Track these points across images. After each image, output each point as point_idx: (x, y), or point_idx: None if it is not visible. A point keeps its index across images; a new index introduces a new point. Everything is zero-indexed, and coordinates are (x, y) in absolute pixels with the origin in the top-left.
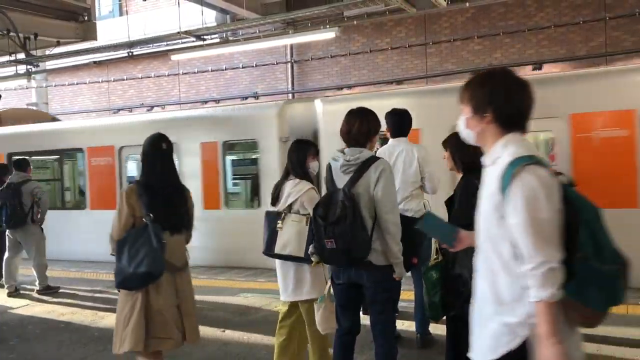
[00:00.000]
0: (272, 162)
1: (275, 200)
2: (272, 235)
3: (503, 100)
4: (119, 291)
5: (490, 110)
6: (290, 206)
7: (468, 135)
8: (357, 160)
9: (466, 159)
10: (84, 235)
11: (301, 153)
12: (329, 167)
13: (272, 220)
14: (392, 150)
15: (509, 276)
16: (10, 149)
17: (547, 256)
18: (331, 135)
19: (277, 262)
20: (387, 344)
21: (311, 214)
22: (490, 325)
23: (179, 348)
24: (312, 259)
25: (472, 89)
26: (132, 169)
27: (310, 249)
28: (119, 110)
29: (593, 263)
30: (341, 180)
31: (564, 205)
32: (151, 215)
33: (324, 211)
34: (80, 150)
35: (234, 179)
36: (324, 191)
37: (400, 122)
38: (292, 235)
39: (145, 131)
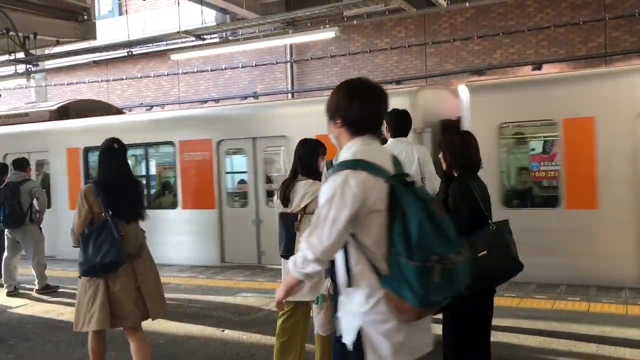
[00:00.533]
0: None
1: (286, 201)
2: (291, 238)
3: (347, 107)
4: (79, 277)
5: (339, 116)
6: (305, 207)
7: (331, 139)
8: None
9: (462, 161)
10: (174, 238)
11: (313, 153)
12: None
13: (290, 222)
14: (392, 150)
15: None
16: (87, 142)
17: (310, 247)
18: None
19: (283, 262)
20: None
21: None
22: None
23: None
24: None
25: (329, 98)
26: (236, 164)
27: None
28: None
29: (401, 259)
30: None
31: (391, 205)
32: (110, 211)
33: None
34: (170, 143)
35: None
36: None
37: (401, 122)
38: None
39: (251, 123)
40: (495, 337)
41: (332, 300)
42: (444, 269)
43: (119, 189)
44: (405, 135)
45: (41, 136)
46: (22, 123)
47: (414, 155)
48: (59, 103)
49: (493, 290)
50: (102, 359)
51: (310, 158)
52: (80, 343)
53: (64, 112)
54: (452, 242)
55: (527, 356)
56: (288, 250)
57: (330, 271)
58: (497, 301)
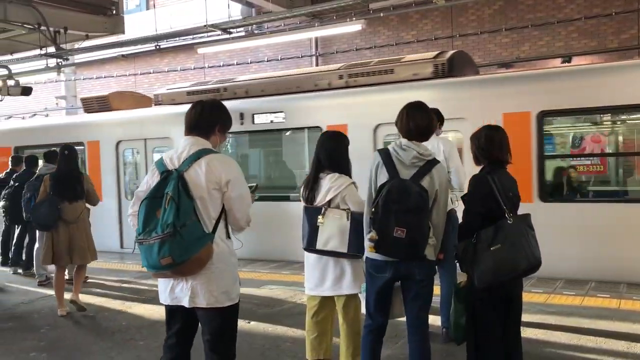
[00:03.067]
0: None
1: (311, 197)
2: (313, 231)
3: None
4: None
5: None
6: (329, 201)
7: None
8: (429, 157)
9: (487, 155)
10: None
11: (341, 146)
12: (388, 154)
13: (313, 215)
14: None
15: None
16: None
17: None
18: None
19: (313, 257)
20: (425, 341)
21: (351, 207)
22: None
23: None
24: (368, 244)
25: None
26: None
27: (372, 234)
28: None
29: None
30: (406, 171)
31: None
32: (51, 192)
33: (399, 197)
34: (318, 128)
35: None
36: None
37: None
38: (334, 230)
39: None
40: (523, 332)
41: (363, 291)
42: (140, 245)
43: (65, 180)
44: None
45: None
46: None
47: (439, 148)
48: None
49: (514, 288)
50: (61, 287)
51: (336, 151)
52: (108, 332)
53: None
54: (148, 227)
55: (555, 352)
56: (310, 243)
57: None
58: (524, 297)
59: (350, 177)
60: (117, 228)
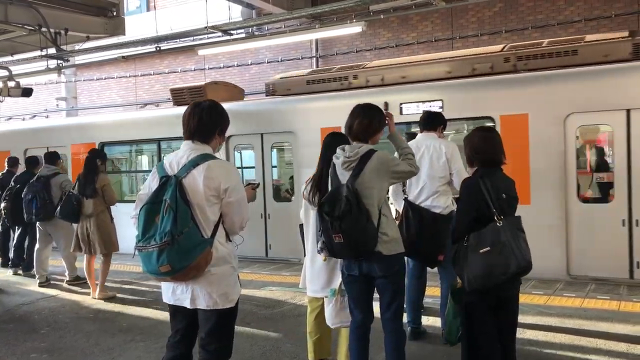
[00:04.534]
0: None
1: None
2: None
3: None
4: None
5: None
6: None
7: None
8: (357, 156)
9: (479, 156)
10: None
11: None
12: (333, 165)
13: None
14: (419, 145)
15: None
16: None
17: None
18: None
19: (321, 259)
20: (396, 331)
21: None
22: None
23: None
24: (322, 254)
25: None
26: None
27: (319, 244)
28: (145, 105)
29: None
30: (344, 176)
31: None
32: (72, 191)
33: (329, 207)
34: (488, 119)
35: None
36: None
37: (431, 117)
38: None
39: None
40: (523, 334)
41: (342, 295)
42: (139, 252)
43: (83, 179)
44: (434, 130)
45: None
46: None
47: (441, 150)
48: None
49: (509, 290)
50: (90, 271)
51: None
52: (109, 334)
53: None
54: (148, 234)
55: (555, 354)
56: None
57: (342, 265)
58: (524, 298)
59: None
60: None
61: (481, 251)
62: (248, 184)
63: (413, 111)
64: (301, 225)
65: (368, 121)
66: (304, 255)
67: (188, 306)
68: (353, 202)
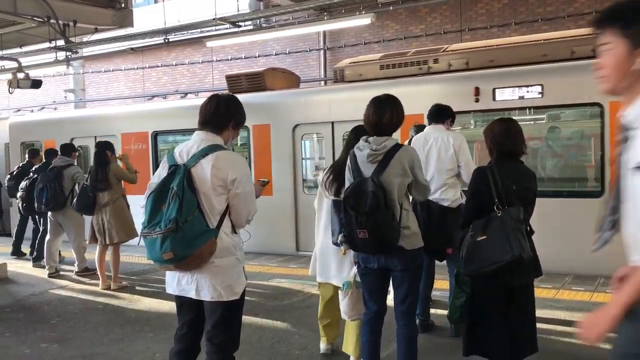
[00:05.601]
0: None
1: (339, 187)
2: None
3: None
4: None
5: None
6: None
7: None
8: (384, 149)
9: (498, 147)
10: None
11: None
12: (354, 156)
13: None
14: (427, 137)
15: None
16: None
17: None
18: None
19: (333, 248)
20: (410, 324)
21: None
22: None
23: None
24: (342, 247)
25: None
26: None
27: (340, 237)
28: (153, 97)
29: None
30: (367, 169)
31: None
32: (85, 182)
33: (354, 201)
34: (596, 105)
35: None
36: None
37: (438, 109)
38: None
39: None
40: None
41: (357, 287)
42: (144, 238)
43: (94, 174)
44: (442, 122)
45: None
46: None
47: (449, 142)
48: None
49: (515, 279)
50: (101, 262)
51: None
52: (117, 324)
53: None
54: (153, 221)
55: (564, 347)
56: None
57: (356, 257)
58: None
59: None
60: (293, 227)
61: (478, 239)
62: (257, 180)
63: (508, 97)
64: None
65: (390, 114)
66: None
67: (193, 297)
68: (380, 198)
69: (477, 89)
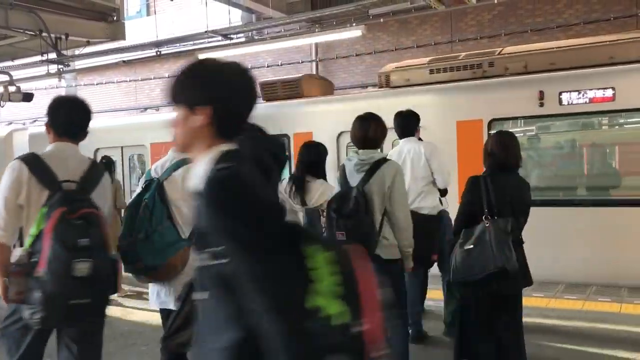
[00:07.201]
0: None
1: (302, 197)
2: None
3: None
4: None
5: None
6: (321, 204)
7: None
8: (371, 160)
9: (490, 158)
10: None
11: (322, 155)
12: (343, 167)
13: (317, 217)
14: (401, 150)
15: None
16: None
17: None
18: None
19: None
20: (401, 328)
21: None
22: None
23: None
24: None
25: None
26: None
27: None
28: (146, 109)
29: None
30: (354, 179)
31: None
32: None
33: (337, 205)
34: None
35: None
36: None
37: (406, 123)
38: None
39: None
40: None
41: None
42: (119, 251)
43: None
44: (412, 134)
45: None
46: None
47: (420, 151)
48: None
49: (503, 288)
50: None
51: (321, 160)
52: (110, 338)
53: None
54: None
55: (556, 356)
56: None
57: None
58: (525, 301)
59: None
60: None
61: (466, 247)
62: None
63: (575, 101)
64: None
65: (374, 128)
66: None
67: (173, 308)
68: (362, 204)
69: (541, 92)
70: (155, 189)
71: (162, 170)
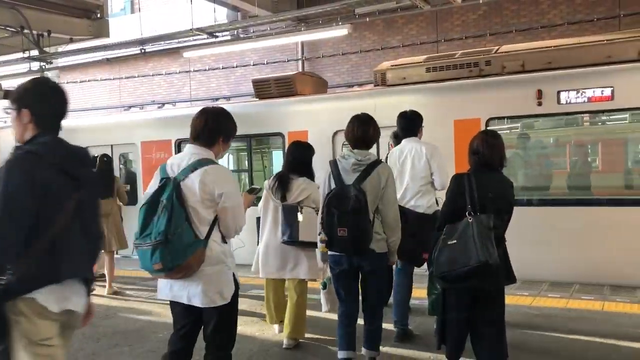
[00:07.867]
0: None
1: (283, 193)
2: (295, 226)
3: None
4: None
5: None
6: (300, 200)
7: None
8: (368, 161)
9: (474, 157)
10: None
11: (309, 154)
12: (335, 165)
13: (292, 212)
14: (402, 149)
15: None
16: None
17: None
18: None
19: (274, 246)
20: (376, 322)
21: (320, 206)
22: None
23: None
24: (320, 245)
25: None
26: None
27: (322, 236)
28: (130, 107)
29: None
30: (349, 177)
31: None
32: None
33: (338, 203)
34: None
35: None
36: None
37: (410, 124)
38: (310, 225)
39: None
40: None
41: (331, 284)
42: (136, 249)
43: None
44: (415, 134)
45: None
46: None
47: (422, 151)
48: None
49: (483, 284)
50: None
51: (307, 159)
52: (94, 338)
53: None
54: (145, 232)
55: (540, 354)
56: (292, 236)
57: (324, 256)
58: (509, 299)
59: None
60: None
61: (449, 242)
62: (251, 189)
63: (573, 100)
64: (258, 218)
65: (373, 129)
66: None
67: (184, 302)
68: (362, 202)
69: (539, 91)
70: (173, 190)
71: (179, 169)
